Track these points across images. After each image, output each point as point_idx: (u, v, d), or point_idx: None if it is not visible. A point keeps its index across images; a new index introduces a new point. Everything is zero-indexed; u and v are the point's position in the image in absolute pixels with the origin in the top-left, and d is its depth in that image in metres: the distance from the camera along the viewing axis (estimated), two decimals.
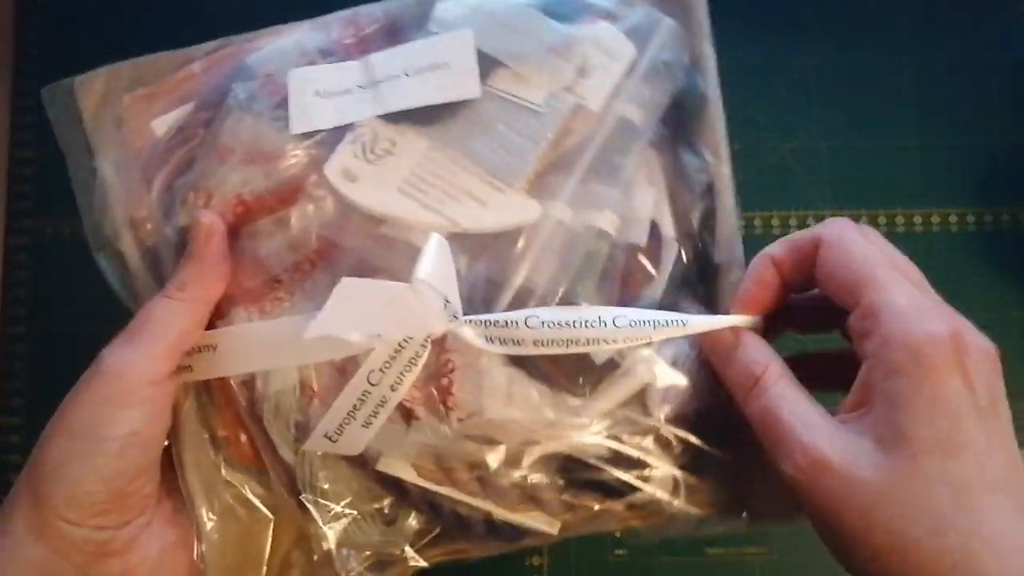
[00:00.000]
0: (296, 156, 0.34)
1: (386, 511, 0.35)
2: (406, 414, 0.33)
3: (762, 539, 0.47)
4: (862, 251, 0.30)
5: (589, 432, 0.33)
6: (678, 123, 0.35)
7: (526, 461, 0.33)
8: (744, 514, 0.35)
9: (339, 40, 0.36)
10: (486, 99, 0.34)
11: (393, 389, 0.32)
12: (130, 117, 0.36)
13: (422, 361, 0.32)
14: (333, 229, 0.34)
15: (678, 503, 0.34)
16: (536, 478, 0.34)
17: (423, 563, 0.35)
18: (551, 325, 0.31)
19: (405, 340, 0.32)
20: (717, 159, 0.35)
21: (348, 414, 0.33)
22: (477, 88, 0.33)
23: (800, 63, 0.51)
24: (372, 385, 0.32)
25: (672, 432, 0.34)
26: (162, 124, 0.36)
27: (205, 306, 0.34)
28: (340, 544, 0.35)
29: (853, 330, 0.30)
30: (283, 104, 0.35)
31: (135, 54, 0.37)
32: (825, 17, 0.51)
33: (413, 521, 0.35)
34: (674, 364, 0.33)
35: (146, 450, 0.33)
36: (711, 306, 0.35)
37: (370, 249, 0.33)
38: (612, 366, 0.33)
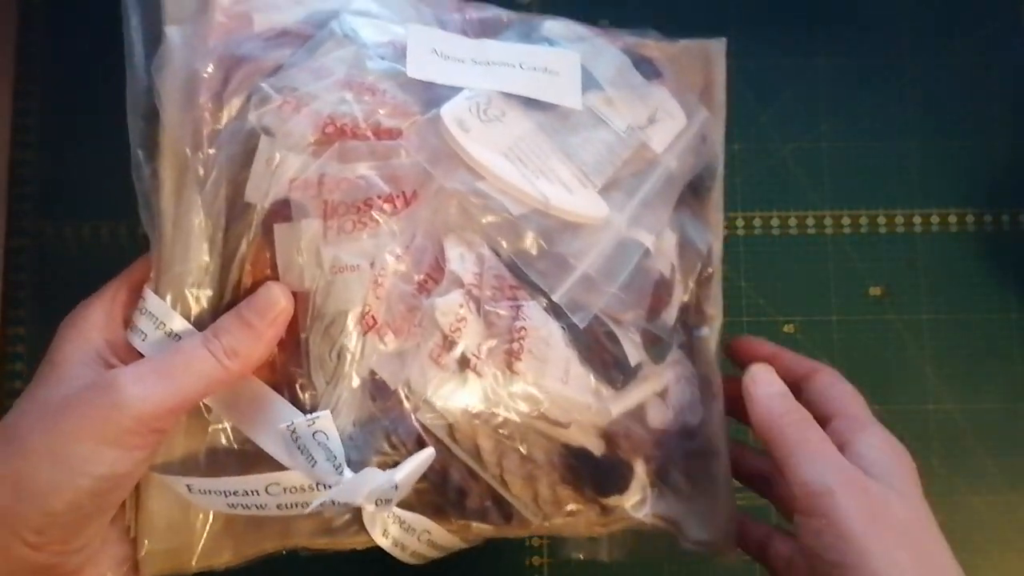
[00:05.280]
0: (403, 98, 0.34)
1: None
2: (465, 366, 0.34)
3: None
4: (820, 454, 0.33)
5: (606, 423, 0.35)
6: (693, 194, 0.40)
7: (546, 443, 0.35)
8: (688, 538, 0.37)
9: (450, 15, 0.38)
10: (581, 109, 0.37)
11: (279, 509, 0.33)
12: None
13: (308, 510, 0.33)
14: (438, 168, 0.34)
15: (642, 514, 0.37)
16: (542, 458, 0.35)
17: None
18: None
19: (318, 486, 0.33)
20: (715, 235, 0.40)
21: (225, 491, 0.33)
22: (579, 102, 0.37)
23: (801, 65, 0.51)
24: (269, 495, 0.32)
25: (654, 446, 0.36)
26: (265, 20, 0.34)
27: (245, 375, 0.32)
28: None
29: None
30: (389, 46, 0.35)
31: None
32: (827, 20, 0.51)
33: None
34: (677, 382, 0.37)
35: (126, 489, 0.32)
36: (689, 350, 0.39)
37: (466, 199, 0.34)
38: (639, 368, 0.36)
